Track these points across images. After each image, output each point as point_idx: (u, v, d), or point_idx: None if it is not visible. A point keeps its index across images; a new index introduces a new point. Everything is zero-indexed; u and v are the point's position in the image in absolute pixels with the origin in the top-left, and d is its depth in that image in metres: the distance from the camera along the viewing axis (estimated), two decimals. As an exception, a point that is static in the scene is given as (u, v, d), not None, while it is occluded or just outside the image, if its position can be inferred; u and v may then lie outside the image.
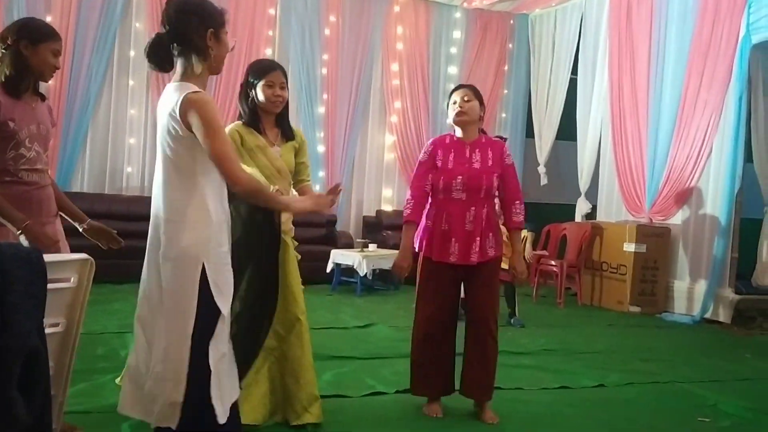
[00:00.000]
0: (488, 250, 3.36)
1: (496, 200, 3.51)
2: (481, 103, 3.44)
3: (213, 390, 2.18)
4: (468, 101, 3.39)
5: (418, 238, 3.45)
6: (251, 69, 3.11)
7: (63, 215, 2.84)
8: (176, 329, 2.17)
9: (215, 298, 2.19)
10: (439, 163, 3.38)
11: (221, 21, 2.26)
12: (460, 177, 3.32)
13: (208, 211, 2.20)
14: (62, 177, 7.28)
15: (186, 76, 2.23)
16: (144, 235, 2.33)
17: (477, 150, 3.39)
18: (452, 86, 9.12)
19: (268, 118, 3.11)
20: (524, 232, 5.45)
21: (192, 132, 2.15)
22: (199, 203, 2.19)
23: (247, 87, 3.09)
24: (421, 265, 3.46)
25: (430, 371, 3.42)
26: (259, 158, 3.03)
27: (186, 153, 2.19)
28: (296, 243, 3.21)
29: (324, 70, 8.58)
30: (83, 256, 2.15)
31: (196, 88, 2.18)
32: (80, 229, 2.85)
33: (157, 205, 2.26)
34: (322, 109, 8.61)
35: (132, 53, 7.81)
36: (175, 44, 2.22)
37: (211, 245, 2.20)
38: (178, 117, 2.14)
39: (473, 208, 3.32)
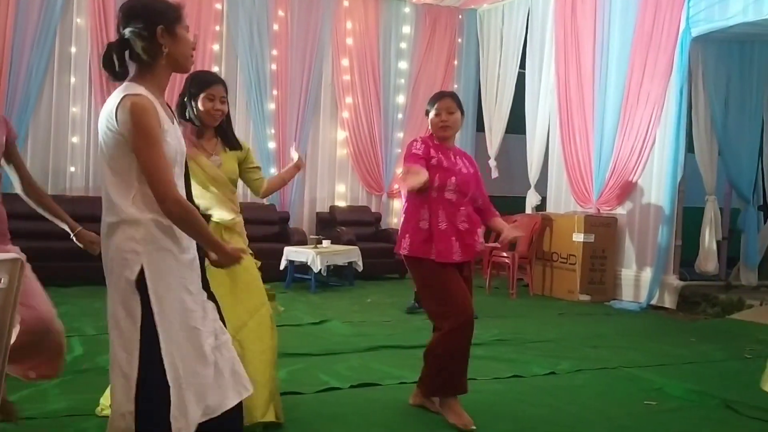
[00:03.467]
0: (478, 246, 3.46)
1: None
2: (462, 113, 3.48)
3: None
4: (452, 113, 3.41)
5: (405, 240, 3.40)
6: (192, 81, 3.09)
7: (55, 221, 2.87)
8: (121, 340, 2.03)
9: (152, 306, 2.01)
10: (434, 162, 3.34)
11: (174, 16, 2.16)
12: (454, 178, 3.36)
13: (144, 219, 2.03)
14: (3, 178, 7.02)
15: (138, 77, 2.11)
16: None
17: (458, 157, 3.48)
18: (403, 81, 9.45)
19: (207, 129, 3.12)
20: None
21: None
22: (137, 210, 2.03)
23: (187, 98, 3.09)
24: (420, 268, 3.39)
25: (461, 366, 3.42)
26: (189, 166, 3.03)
27: (123, 158, 2.04)
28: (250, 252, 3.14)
29: (273, 66, 8.50)
30: (13, 256, 2.08)
31: (139, 91, 2.05)
32: (71, 236, 2.86)
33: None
34: (272, 106, 8.53)
35: (73, 50, 7.60)
36: (126, 50, 2.11)
37: (150, 247, 2.04)
38: (114, 117, 2.02)
39: (462, 208, 3.39)
